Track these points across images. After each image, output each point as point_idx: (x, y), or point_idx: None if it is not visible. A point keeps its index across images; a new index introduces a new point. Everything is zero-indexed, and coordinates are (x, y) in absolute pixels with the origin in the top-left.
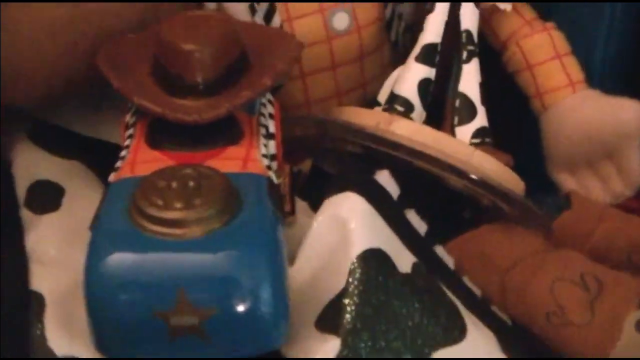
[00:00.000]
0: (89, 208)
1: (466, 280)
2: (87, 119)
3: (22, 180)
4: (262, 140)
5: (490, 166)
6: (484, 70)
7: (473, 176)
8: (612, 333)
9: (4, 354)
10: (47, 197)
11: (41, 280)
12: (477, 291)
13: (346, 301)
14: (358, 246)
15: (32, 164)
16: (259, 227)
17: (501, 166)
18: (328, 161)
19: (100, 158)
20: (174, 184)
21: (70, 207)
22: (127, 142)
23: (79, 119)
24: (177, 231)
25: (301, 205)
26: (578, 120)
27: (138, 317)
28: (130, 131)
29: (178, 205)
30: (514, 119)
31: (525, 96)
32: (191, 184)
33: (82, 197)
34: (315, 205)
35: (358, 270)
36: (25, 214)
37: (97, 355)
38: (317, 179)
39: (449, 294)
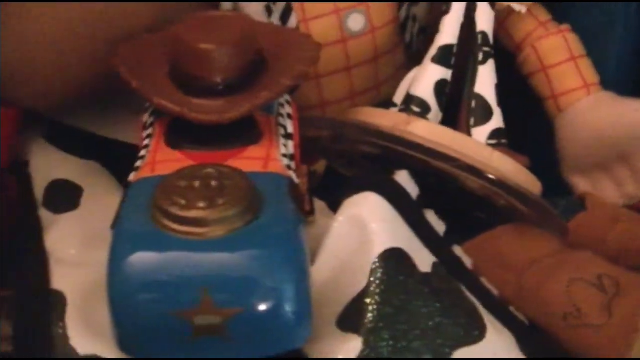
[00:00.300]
0: (107, 208)
1: (484, 280)
2: (102, 119)
3: (40, 180)
4: (282, 140)
5: (509, 167)
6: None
7: (493, 177)
8: (629, 334)
9: (25, 353)
10: (66, 197)
11: (62, 279)
12: (495, 292)
13: (368, 300)
14: (379, 246)
15: (49, 164)
16: (282, 227)
17: (519, 167)
18: (342, 163)
19: (116, 158)
20: (196, 184)
21: (89, 206)
22: (145, 142)
23: (94, 119)
24: (200, 230)
25: (319, 205)
26: (592, 123)
27: (161, 316)
28: (149, 131)
29: (201, 204)
30: (526, 122)
31: (537, 98)
32: (213, 183)
33: (101, 197)
34: (333, 206)
35: (379, 270)
36: (44, 213)
37: (120, 355)
38: (331, 180)
39: (468, 294)
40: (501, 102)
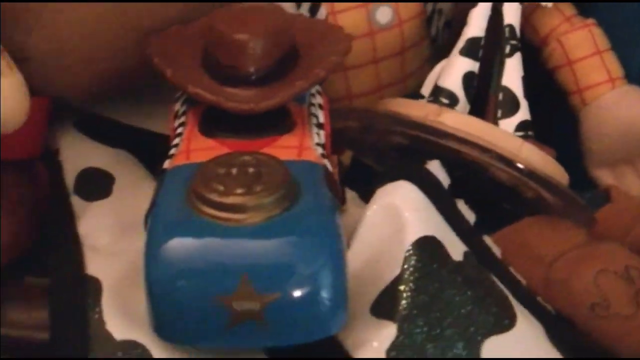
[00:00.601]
0: (139, 195)
1: (512, 271)
2: (131, 109)
3: (71, 168)
4: (314, 130)
5: (537, 158)
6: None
7: (524, 167)
8: None
9: (62, 338)
10: (98, 185)
11: (96, 265)
12: (523, 282)
13: (402, 288)
14: (412, 234)
15: (80, 153)
16: (319, 214)
17: (548, 158)
18: (369, 154)
19: (145, 147)
20: (234, 171)
21: (120, 194)
22: (179, 130)
23: (122, 109)
24: (238, 217)
25: (350, 195)
26: (617, 116)
27: (199, 302)
28: (181, 120)
29: (239, 191)
30: (550, 116)
31: (561, 92)
32: (251, 170)
33: (132, 185)
34: (363, 195)
35: (413, 258)
36: (76, 201)
37: (156, 341)
38: (357, 171)
39: (498, 283)
40: (526, 96)
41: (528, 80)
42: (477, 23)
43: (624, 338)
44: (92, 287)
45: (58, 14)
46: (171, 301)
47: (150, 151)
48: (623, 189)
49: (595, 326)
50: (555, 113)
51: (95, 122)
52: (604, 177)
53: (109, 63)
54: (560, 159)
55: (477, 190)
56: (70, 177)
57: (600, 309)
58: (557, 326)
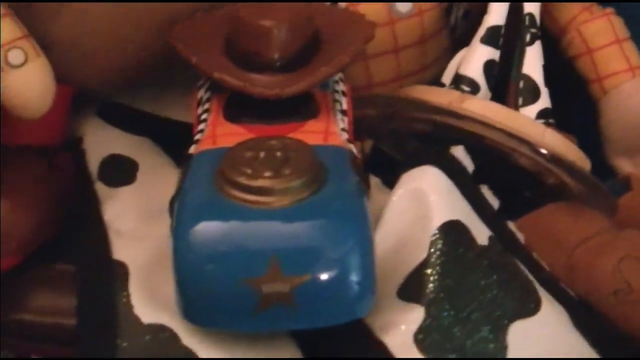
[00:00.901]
0: (163, 182)
1: (535, 256)
2: (152, 97)
3: (95, 154)
4: (339, 116)
5: (560, 144)
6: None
7: (546, 152)
8: None
9: (89, 322)
10: (122, 171)
11: (123, 250)
12: (546, 268)
13: (429, 271)
14: (438, 218)
15: (103, 140)
16: (348, 198)
17: (571, 145)
18: (390, 143)
19: (167, 135)
20: (262, 154)
21: (145, 181)
22: (203, 117)
23: (144, 97)
24: (266, 199)
25: (374, 181)
26: (637, 105)
27: (228, 285)
28: (206, 106)
29: (267, 174)
30: (569, 104)
31: (580, 81)
32: (278, 154)
33: (155, 172)
34: (386, 182)
35: (439, 242)
36: (100, 187)
37: (184, 325)
38: (378, 159)
39: (523, 268)
40: (546, 84)
41: (547, 69)
42: (497, 11)
43: None
44: (119, 272)
45: (83, 3)
46: (200, 285)
47: (172, 139)
48: None
49: (618, 312)
50: (574, 102)
51: (117, 110)
52: (624, 165)
53: (131, 51)
54: (580, 147)
55: (500, 176)
56: (94, 164)
57: (623, 295)
58: (580, 312)
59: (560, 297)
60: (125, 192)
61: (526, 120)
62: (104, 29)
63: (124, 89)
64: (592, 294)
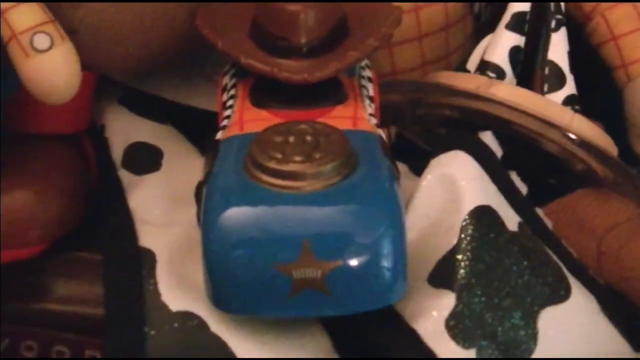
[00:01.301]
0: (188, 169)
1: (564, 243)
2: (176, 86)
3: (118, 142)
4: (366, 101)
5: (589, 130)
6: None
7: (575, 137)
8: None
9: (117, 310)
10: (147, 158)
11: (149, 237)
12: (575, 254)
13: (459, 257)
14: (469, 203)
15: (126, 128)
16: (379, 183)
17: (599, 130)
18: (412, 129)
19: (191, 123)
20: (292, 139)
21: (170, 168)
22: (229, 103)
23: (167, 86)
24: (297, 184)
25: (401, 167)
26: None
27: (259, 271)
28: (231, 92)
29: (298, 158)
30: (594, 91)
31: (604, 68)
32: (309, 138)
33: (180, 159)
34: (413, 169)
35: (470, 227)
36: (124, 174)
37: (214, 312)
38: (403, 145)
39: (552, 254)
40: (572, 70)
41: (572, 56)
42: None
43: None
44: (146, 259)
45: None
46: (230, 271)
47: (195, 127)
48: None
49: None
50: (599, 89)
51: (140, 98)
52: None
53: (155, 37)
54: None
55: (528, 163)
56: (118, 151)
57: None
58: (609, 299)
59: (589, 284)
60: (150, 179)
61: (554, 106)
62: (129, 15)
63: (147, 76)
64: (622, 282)
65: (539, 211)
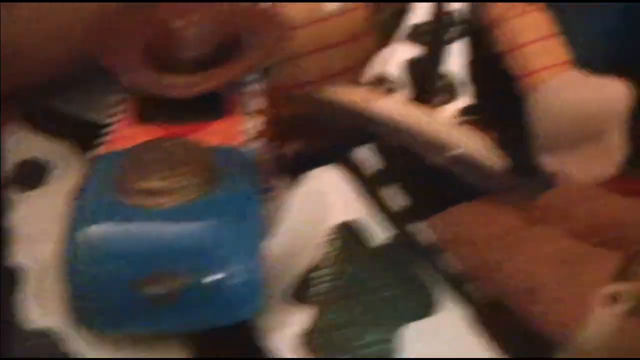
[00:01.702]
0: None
1: (445, 256)
2: (77, 99)
3: (10, 158)
4: (250, 116)
5: (473, 143)
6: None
7: (455, 152)
8: (583, 307)
9: None
10: (36, 174)
11: (22, 254)
12: (456, 267)
13: (321, 272)
14: (335, 218)
15: (22, 143)
16: (238, 200)
17: (483, 143)
18: (317, 139)
19: (89, 138)
20: (158, 155)
21: (58, 183)
22: (115, 118)
23: (72, 101)
24: (159, 200)
25: (286, 181)
26: (564, 101)
27: (116, 287)
28: (121, 107)
29: (160, 174)
30: (498, 100)
31: (509, 76)
32: (175, 155)
33: (71, 175)
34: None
35: (334, 242)
36: (13, 191)
37: (72, 328)
38: (303, 158)
39: (421, 269)
40: (473, 80)
41: (476, 64)
42: (421, 9)
43: (552, 321)
44: (10, 277)
45: (10, 7)
46: (88, 288)
47: (93, 142)
48: (568, 174)
49: (527, 311)
50: (502, 98)
51: (41, 113)
52: (550, 161)
53: (57, 54)
54: (507, 144)
55: (412, 175)
56: (9, 167)
57: (531, 294)
58: (485, 313)
59: (464, 297)
60: (35, 195)
61: (438, 118)
62: (30, 34)
63: (49, 90)
64: (502, 294)
65: (421, 224)
